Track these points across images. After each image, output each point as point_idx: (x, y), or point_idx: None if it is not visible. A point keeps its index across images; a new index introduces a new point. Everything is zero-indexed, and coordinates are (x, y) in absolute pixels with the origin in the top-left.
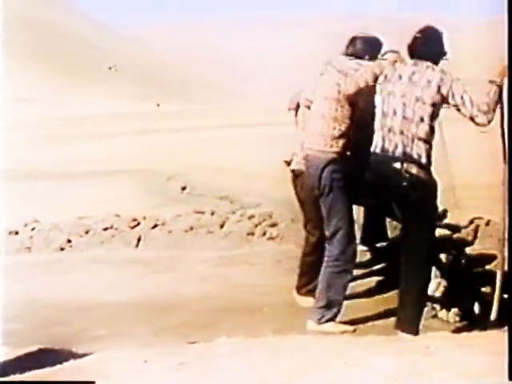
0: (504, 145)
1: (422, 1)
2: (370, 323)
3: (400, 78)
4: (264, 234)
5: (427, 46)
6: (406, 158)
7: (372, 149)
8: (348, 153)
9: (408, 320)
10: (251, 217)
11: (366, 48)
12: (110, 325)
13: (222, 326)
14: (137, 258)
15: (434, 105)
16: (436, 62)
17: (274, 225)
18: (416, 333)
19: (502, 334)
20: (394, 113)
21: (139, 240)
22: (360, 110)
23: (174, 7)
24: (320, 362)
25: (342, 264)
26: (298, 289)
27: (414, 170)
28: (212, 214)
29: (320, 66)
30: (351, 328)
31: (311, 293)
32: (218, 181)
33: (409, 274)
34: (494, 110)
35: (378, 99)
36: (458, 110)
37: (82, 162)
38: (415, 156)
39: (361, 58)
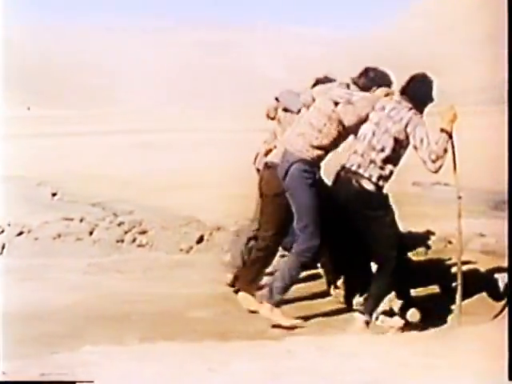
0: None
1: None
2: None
3: (383, 109)
4: (134, 241)
5: (418, 92)
6: (358, 174)
7: (342, 163)
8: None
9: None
10: (121, 224)
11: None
12: None
13: (88, 334)
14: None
15: (396, 140)
16: (423, 105)
17: (143, 232)
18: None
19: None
20: (364, 138)
21: (3, 247)
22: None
23: (48, 11)
24: (184, 368)
25: (307, 256)
26: (242, 283)
27: (363, 183)
28: (81, 220)
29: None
30: (300, 321)
31: (253, 287)
32: (91, 187)
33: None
34: (443, 158)
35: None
36: (416, 150)
37: None
38: (366, 175)
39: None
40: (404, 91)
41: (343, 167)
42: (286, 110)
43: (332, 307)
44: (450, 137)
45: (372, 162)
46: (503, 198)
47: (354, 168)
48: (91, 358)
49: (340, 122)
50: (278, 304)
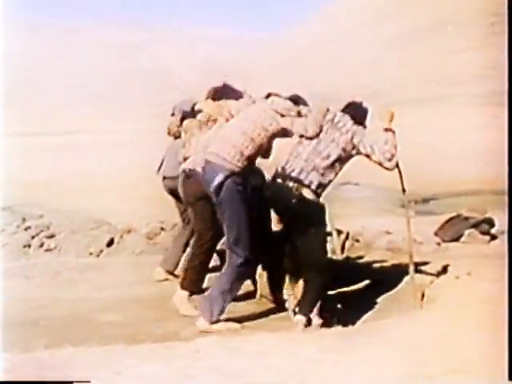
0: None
1: None
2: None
3: (328, 121)
4: (41, 245)
5: (356, 117)
6: (299, 181)
7: (277, 168)
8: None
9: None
10: (27, 228)
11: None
12: None
13: None
14: None
15: (344, 150)
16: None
17: (51, 236)
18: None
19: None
20: (309, 143)
21: None
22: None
23: None
24: (91, 373)
25: (243, 270)
26: (184, 284)
27: (303, 191)
28: None
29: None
30: (238, 325)
31: (195, 288)
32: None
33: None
34: (396, 154)
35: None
36: (369, 157)
37: None
38: (306, 182)
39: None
40: (344, 112)
41: (282, 171)
42: (183, 118)
43: (263, 308)
44: (394, 133)
45: (314, 168)
46: (411, 197)
47: (294, 174)
48: None
49: (274, 135)
50: (217, 321)
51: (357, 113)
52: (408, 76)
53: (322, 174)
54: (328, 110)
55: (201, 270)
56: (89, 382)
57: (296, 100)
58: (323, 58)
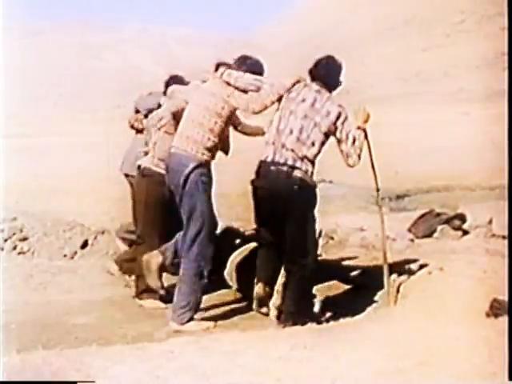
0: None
1: None
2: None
3: (303, 101)
4: (14, 248)
5: (328, 74)
6: (296, 167)
7: (262, 158)
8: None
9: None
10: (1, 231)
11: (255, 68)
12: None
13: None
14: None
15: (326, 134)
16: (333, 89)
17: (25, 239)
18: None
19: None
20: (291, 132)
21: None
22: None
23: None
24: (64, 376)
25: (201, 264)
26: (139, 293)
27: (301, 175)
28: None
29: (201, 73)
30: (212, 324)
31: (151, 294)
32: None
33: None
34: (360, 154)
35: (275, 116)
36: (339, 143)
37: None
38: (303, 169)
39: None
40: (313, 76)
41: (272, 162)
42: (146, 116)
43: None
44: (366, 135)
45: (305, 157)
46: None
47: (290, 162)
48: None
49: (228, 118)
50: (189, 320)
51: (328, 71)
52: (375, 74)
53: (311, 161)
54: (299, 81)
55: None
56: (93, 382)
57: (242, 61)
58: (292, 58)
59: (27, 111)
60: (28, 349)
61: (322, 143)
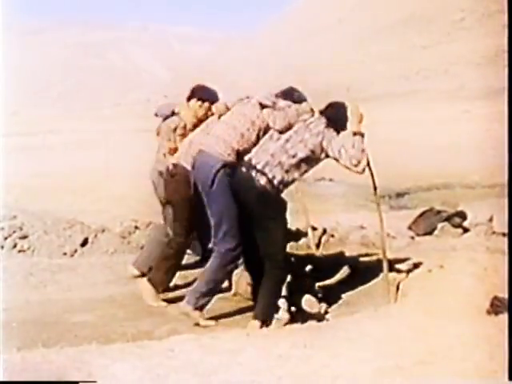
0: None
1: None
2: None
3: (304, 120)
4: (15, 246)
5: (333, 118)
6: (261, 172)
7: (245, 158)
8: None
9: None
10: (1, 229)
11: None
12: None
13: None
14: None
15: (313, 152)
16: (338, 130)
17: (25, 237)
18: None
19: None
20: (278, 139)
21: None
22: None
23: None
24: (64, 374)
25: (230, 259)
26: (152, 281)
27: (263, 182)
28: None
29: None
30: (213, 322)
31: (162, 286)
32: None
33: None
34: (363, 158)
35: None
36: (337, 162)
37: None
38: (269, 175)
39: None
40: (322, 113)
41: (248, 161)
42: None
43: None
44: (362, 136)
45: (280, 164)
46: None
47: (259, 166)
48: None
49: (260, 129)
50: (201, 308)
51: (336, 114)
52: (376, 72)
53: (287, 171)
54: (313, 111)
55: (170, 270)
56: (95, 382)
57: (289, 92)
58: (295, 57)
59: (27, 109)
60: (28, 347)
61: (305, 159)
